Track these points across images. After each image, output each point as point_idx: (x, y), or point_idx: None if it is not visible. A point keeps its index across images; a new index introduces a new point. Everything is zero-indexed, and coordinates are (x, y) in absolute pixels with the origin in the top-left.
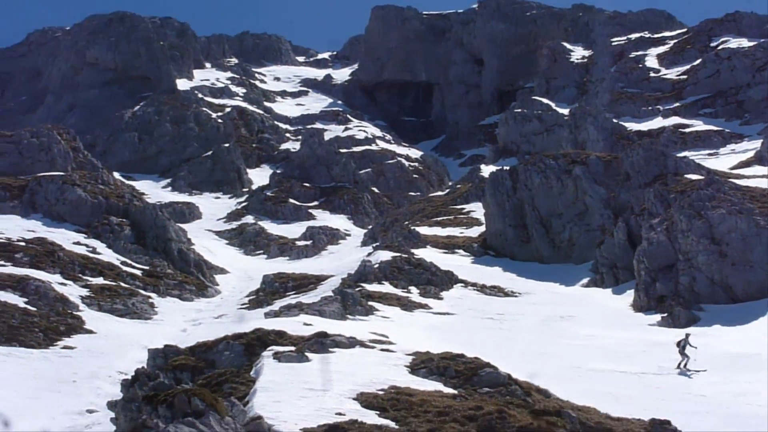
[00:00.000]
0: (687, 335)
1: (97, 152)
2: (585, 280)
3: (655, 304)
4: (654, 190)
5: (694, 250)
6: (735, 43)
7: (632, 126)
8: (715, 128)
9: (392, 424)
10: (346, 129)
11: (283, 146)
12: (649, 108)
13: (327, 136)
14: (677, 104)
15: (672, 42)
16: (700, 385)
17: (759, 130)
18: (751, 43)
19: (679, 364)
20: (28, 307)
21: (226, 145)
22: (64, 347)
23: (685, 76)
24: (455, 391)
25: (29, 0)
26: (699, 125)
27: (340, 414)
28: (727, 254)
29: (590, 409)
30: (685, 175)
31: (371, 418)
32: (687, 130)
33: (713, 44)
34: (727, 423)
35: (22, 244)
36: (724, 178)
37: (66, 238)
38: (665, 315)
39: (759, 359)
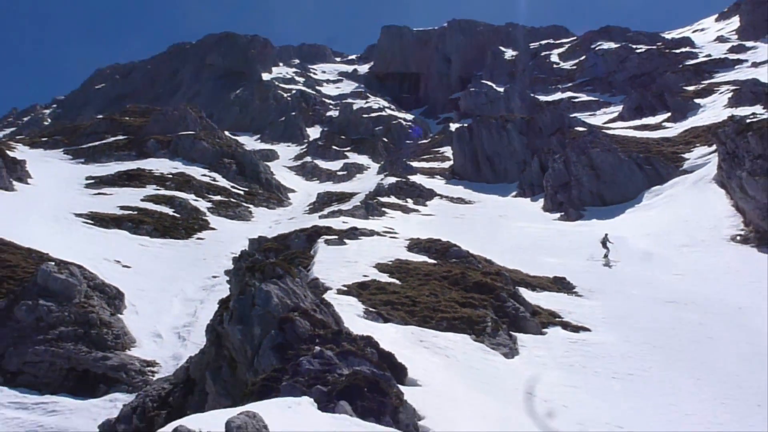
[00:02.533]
0: (606, 234)
1: (214, 119)
2: (514, 193)
3: (557, 207)
4: (556, 138)
5: (580, 173)
6: (606, 45)
7: (543, 98)
8: (594, 99)
9: (397, 281)
10: (367, 102)
11: (328, 113)
12: (553, 87)
13: (354, 107)
14: (570, 84)
15: (567, 45)
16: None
17: (620, 99)
18: (617, 45)
19: (605, 255)
20: (175, 214)
21: (293, 113)
22: (198, 238)
23: (575, 67)
24: (435, 261)
25: (168, 24)
26: (583, 97)
27: (365, 276)
28: (601, 176)
29: (518, 271)
30: (575, 128)
31: (384, 278)
32: (576, 100)
33: (593, 46)
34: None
35: (170, 176)
36: (599, 130)
37: (197, 172)
38: (562, 213)
39: (625, 240)
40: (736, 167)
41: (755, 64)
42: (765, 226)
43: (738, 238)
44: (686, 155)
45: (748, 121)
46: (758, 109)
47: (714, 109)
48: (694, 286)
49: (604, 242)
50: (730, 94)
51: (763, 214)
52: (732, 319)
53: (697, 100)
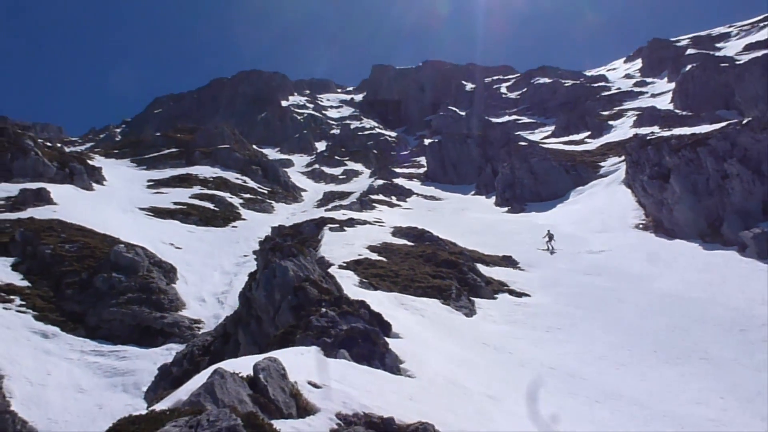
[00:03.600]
0: (548, 231)
1: (245, 135)
2: (473, 192)
3: (505, 202)
4: (504, 150)
5: (523, 177)
6: (542, 80)
7: (494, 119)
8: (533, 120)
9: (384, 259)
10: (361, 123)
11: (331, 131)
12: (502, 111)
13: (351, 126)
14: (515, 109)
15: (513, 80)
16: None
17: (553, 121)
18: (550, 80)
19: (547, 245)
20: (215, 208)
21: (305, 131)
22: (233, 226)
23: (519, 96)
24: (413, 244)
25: (210, 61)
26: (525, 119)
27: (360, 255)
28: (538, 179)
29: (475, 251)
30: (519, 143)
31: (374, 256)
32: (520, 121)
33: (532, 81)
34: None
35: (211, 179)
36: (537, 144)
37: (232, 176)
38: (509, 207)
39: (554, 226)
40: (639, 172)
41: (653, 95)
42: (660, 217)
43: (640, 225)
44: (602, 163)
45: (648, 138)
46: (656, 128)
47: (623, 129)
48: (606, 261)
49: (550, 236)
50: (635, 118)
51: (658, 208)
52: (634, 285)
53: (610, 122)
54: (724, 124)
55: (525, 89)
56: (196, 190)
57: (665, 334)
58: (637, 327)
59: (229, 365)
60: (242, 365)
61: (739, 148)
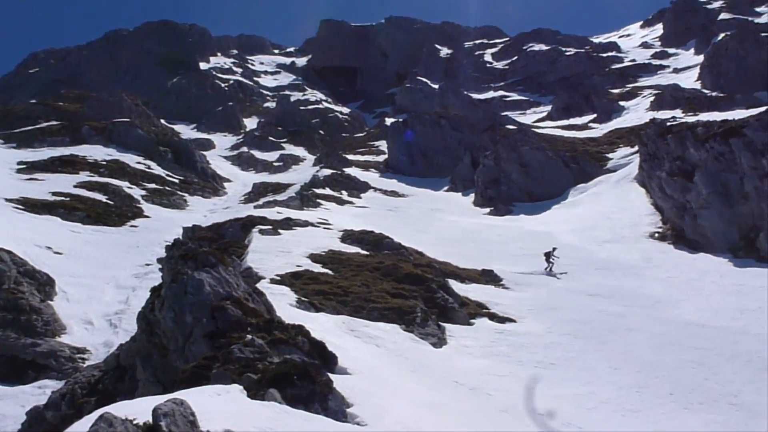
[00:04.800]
0: (554, 248)
1: (151, 107)
2: (446, 188)
3: (487, 202)
4: (488, 135)
5: (510, 170)
6: (537, 47)
7: (476, 96)
8: (524, 98)
9: (330, 272)
10: (304, 95)
11: (265, 105)
12: (486, 85)
13: (292, 99)
14: (502, 83)
15: (500, 45)
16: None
17: (550, 100)
18: (547, 47)
19: (546, 268)
20: (109, 201)
21: (231, 104)
22: (131, 226)
23: (507, 67)
24: (368, 252)
25: (102, 9)
26: (515, 96)
27: (299, 266)
28: (529, 173)
29: (448, 264)
30: (506, 126)
31: (317, 268)
32: (508, 99)
33: (524, 47)
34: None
35: (104, 162)
36: (529, 128)
37: (132, 159)
38: (492, 208)
39: (550, 234)
40: (656, 168)
41: (676, 70)
42: (681, 224)
43: (656, 235)
44: (610, 155)
45: (668, 124)
46: (678, 113)
47: (637, 112)
48: (615, 280)
49: (549, 255)
50: (652, 98)
51: (679, 213)
52: (650, 312)
53: (621, 103)
54: (763, 109)
55: (515, 58)
56: (84, 177)
57: (685, 373)
58: (650, 363)
59: (121, 409)
60: (139, 409)
61: None
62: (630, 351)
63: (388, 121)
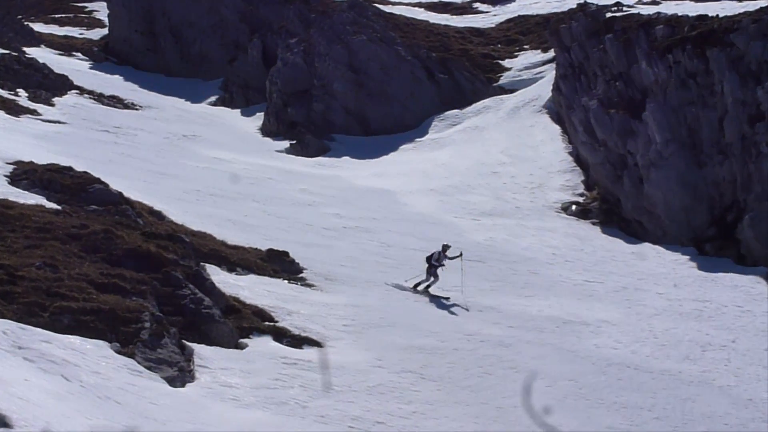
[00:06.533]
0: (445, 246)
1: None
2: (213, 98)
3: (286, 129)
4: (295, 8)
5: (331, 75)
6: None
7: None
8: None
9: None
10: None
11: None
12: None
13: None
14: None
15: None
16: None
17: None
18: None
19: (417, 284)
20: None
21: None
22: None
23: None
24: (59, 207)
25: None
26: None
27: None
28: (365, 84)
29: (206, 235)
30: None
31: None
32: None
33: None
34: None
35: None
36: (369, 3)
37: None
38: (294, 142)
39: (392, 196)
40: (581, 91)
41: None
42: (616, 192)
43: (573, 207)
44: (507, 62)
45: (608, 14)
46: None
47: None
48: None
49: (438, 257)
50: None
51: (615, 173)
52: (552, 339)
53: None
54: (764, 3)
55: None
56: None
57: None
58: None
59: None
60: None
61: None
62: (513, 407)
63: None
